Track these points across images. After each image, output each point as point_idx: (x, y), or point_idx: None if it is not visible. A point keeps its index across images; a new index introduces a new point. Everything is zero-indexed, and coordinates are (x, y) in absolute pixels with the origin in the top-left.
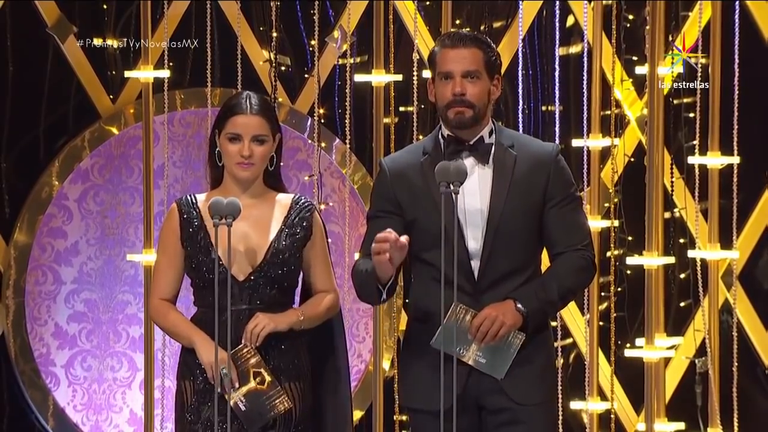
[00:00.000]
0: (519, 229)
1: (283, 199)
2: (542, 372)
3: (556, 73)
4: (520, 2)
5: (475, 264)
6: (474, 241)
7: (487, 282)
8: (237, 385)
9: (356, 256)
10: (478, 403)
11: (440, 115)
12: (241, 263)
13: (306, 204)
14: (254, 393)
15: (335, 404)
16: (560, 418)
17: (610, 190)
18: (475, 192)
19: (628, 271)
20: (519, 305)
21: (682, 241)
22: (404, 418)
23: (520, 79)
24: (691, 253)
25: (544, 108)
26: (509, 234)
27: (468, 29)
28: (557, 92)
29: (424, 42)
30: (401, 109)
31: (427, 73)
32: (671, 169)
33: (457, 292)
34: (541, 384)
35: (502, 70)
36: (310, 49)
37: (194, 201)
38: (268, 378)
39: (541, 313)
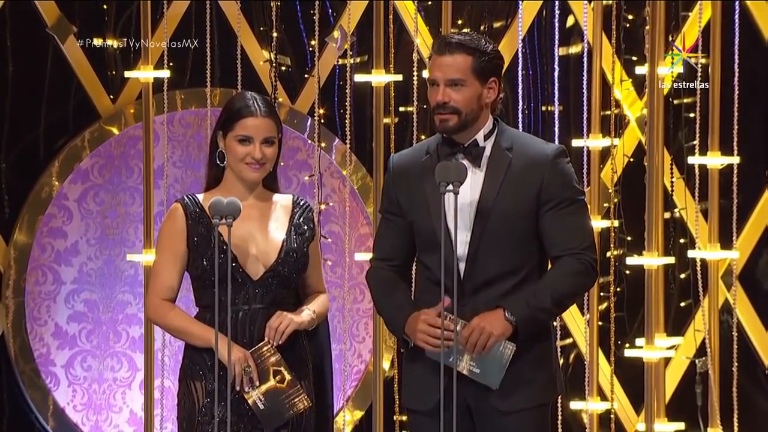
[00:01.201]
0: (509, 231)
1: (282, 200)
2: (530, 377)
3: (556, 73)
4: (520, 2)
5: (462, 266)
6: (462, 244)
7: (474, 284)
8: (257, 383)
9: (357, 256)
10: (468, 405)
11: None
12: (254, 263)
13: (306, 204)
14: (274, 391)
15: (317, 409)
16: (560, 418)
17: (610, 190)
18: (466, 194)
19: (628, 271)
20: (507, 314)
21: (682, 241)
22: (404, 418)
23: (520, 79)
24: (691, 253)
25: (544, 108)
26: (498, 236)
27: (468, 29)
28: (557, 92)
29: (424, 42)
30: (401, 109)
31: (427, 73)
32: (671, 169)
33: (445, 294)
34: (527, 390)
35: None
36: (310, 49)
37: (197, 201)
38: (288, 376)
39: (533, 321)
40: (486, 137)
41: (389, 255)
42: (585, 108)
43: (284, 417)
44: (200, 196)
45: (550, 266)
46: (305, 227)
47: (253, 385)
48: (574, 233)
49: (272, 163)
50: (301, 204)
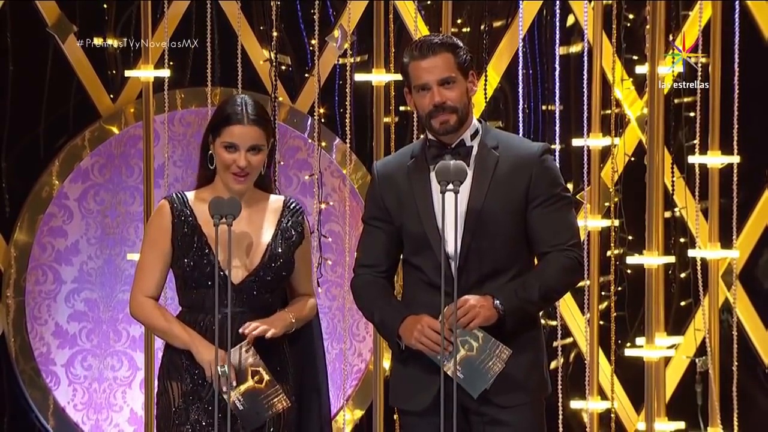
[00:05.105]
0: (499, 230)
1: (274, 202)
2: (527, 373)
3: (557, 73)
4: (520, 2)
5: (454, 266)
6: (453, 243)
7: (467, 284)
8: (235, 384)
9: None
10: (462, 404)
11: (423, 124)
12: (236, 267)
13: (297, 207)
14: (252, 392)
15: (315, 408)
16: (560, 417)
17: (611, 190)
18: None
19: (629, 271)
20: (497, 302)
21: (682, 240)
22: None
23: (520, 78)
24: (691, 253)
25: (544, 107)
26: (488, 235)
27: (468, 30)
28: (557, 92)
29: None
30: (401, 108)
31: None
32: (671, 168)
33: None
34: (524, 385)
35: (501, 70)
36: (311, 48)
37: (186, 199)
38: (266, 377)
39: (521, 312)
40: (472, 137)
41: (376, 262)
42: (585, 107)
43: (263, 417)
44: (189, 194)
45: (536, 262)
46: (293, 231)
47: (231, 386)
48: (561, 229)
49: (258, 171)
50: (291, 207)
